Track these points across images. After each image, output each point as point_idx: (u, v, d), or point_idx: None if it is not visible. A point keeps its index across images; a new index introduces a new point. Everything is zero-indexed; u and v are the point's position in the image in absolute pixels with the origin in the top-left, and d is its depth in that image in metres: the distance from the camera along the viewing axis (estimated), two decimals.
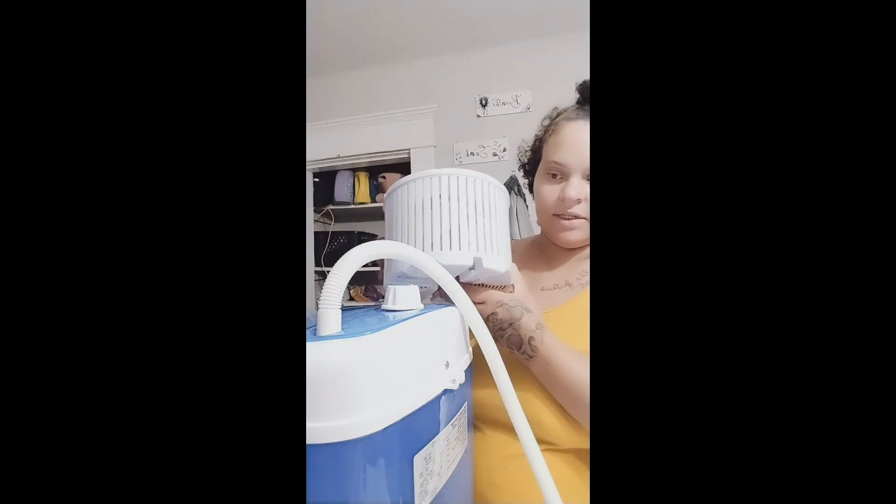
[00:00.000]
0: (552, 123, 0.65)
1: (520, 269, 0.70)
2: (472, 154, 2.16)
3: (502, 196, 0.54)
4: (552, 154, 0.62)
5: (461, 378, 0.36)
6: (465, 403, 0.39)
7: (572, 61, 2.04)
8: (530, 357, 0.50)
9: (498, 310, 0.50)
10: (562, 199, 0.60)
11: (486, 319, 0.50)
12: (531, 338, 0.49)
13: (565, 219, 0.61)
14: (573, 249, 0.66)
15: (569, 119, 0.62)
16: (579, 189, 0.59)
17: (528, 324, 0.49)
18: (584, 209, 0.60)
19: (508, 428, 0.53)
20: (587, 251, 0.66)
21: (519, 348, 0.50)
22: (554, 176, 0.61)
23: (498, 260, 0.48)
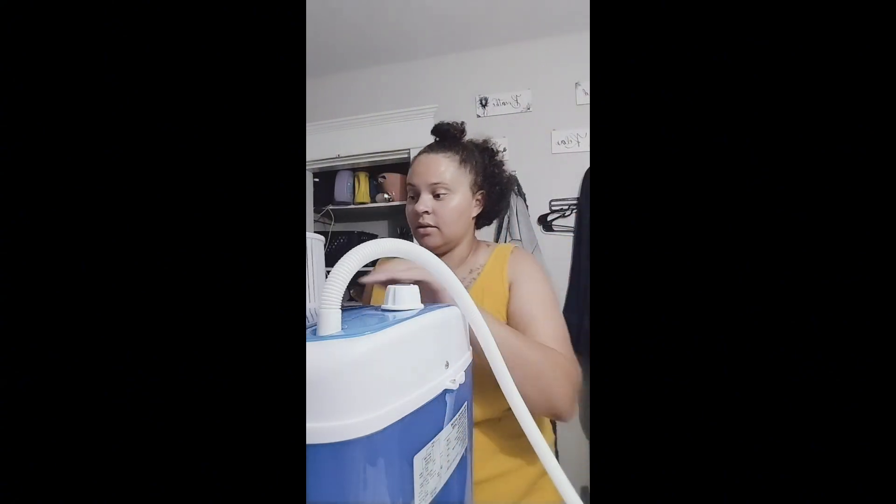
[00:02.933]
0: (412, 161, 0.84)
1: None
2: None
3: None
4: (408, 180, 0.82)
5: (461, 378, 0.36)
6: (466, 403, 0.39)
7: (572, 61, 2.04)
8: None
9: None
10: (415, 213, 0.79)
11: None
12: None
13: (421, 227, 0.79)
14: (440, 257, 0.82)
15: (420, 153, 0.83)
16: (425, 203, 0.78)
17: None
18: (432, 219, 0.78)
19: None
20: (447, 260, 0.82)
21: None
22: (412, 197, 0.81)
23: None
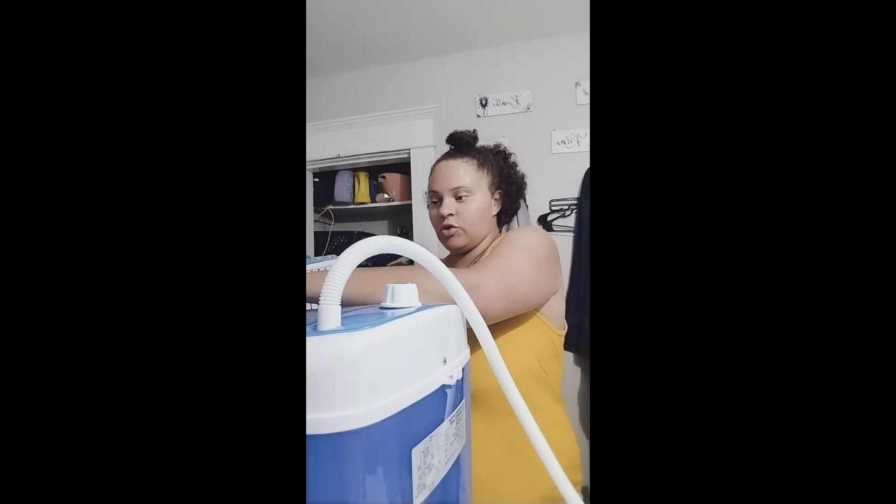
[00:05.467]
0: (432, 168, 0.92)
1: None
2: None
3: None
4: (430, 187, 0.90)
5: (459, 374, 0.36)
6: (464, 401, 0.40)
7: (572, 61, 2.04)
8: None
9: None
10: (440, 216, 0.85)
11: None
12: None
13: (446, 229, 0.85)
14: (465, 256, 0.90)
15: (438, 161, 0.90)
16: (449, 206, 0.85)
17: None
18: (456, 220, 0.85)
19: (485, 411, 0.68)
20: (472, 257, 0.89)
21: None
22: (435, 202, 0.88)
23: None
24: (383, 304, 0.38)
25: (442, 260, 0.92)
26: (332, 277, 0.28)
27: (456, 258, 0.93)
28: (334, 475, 0.24)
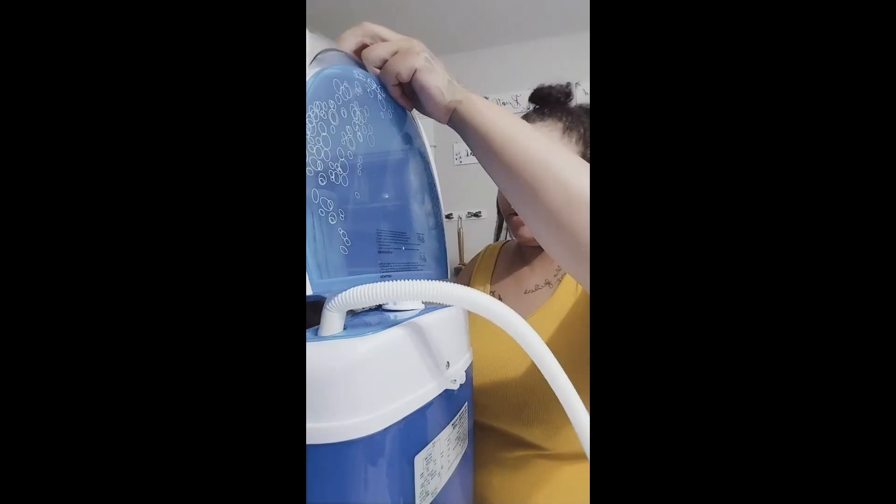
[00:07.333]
0: None
1: (504, 272, 0.78)
2: (472, 154, 2.16)
3: None
4: None
5: (462, 378, 0.36)
6: (466, 404, 0.39)
7: (572, 61, 2.04)
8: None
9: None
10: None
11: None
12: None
13: (517, 215, 0.65)
14: (535, 248, 0.71)
15: None
16: None
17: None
18: None
19: (503, 431, 0.59)
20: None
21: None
22: None
23: None
24: (385, 307, 0.37)
25: (499, 257, 0.81)
26: (357, 292, 0.27)
27: (530, 253, 0.72)
28: (335, 485, 0.23)
